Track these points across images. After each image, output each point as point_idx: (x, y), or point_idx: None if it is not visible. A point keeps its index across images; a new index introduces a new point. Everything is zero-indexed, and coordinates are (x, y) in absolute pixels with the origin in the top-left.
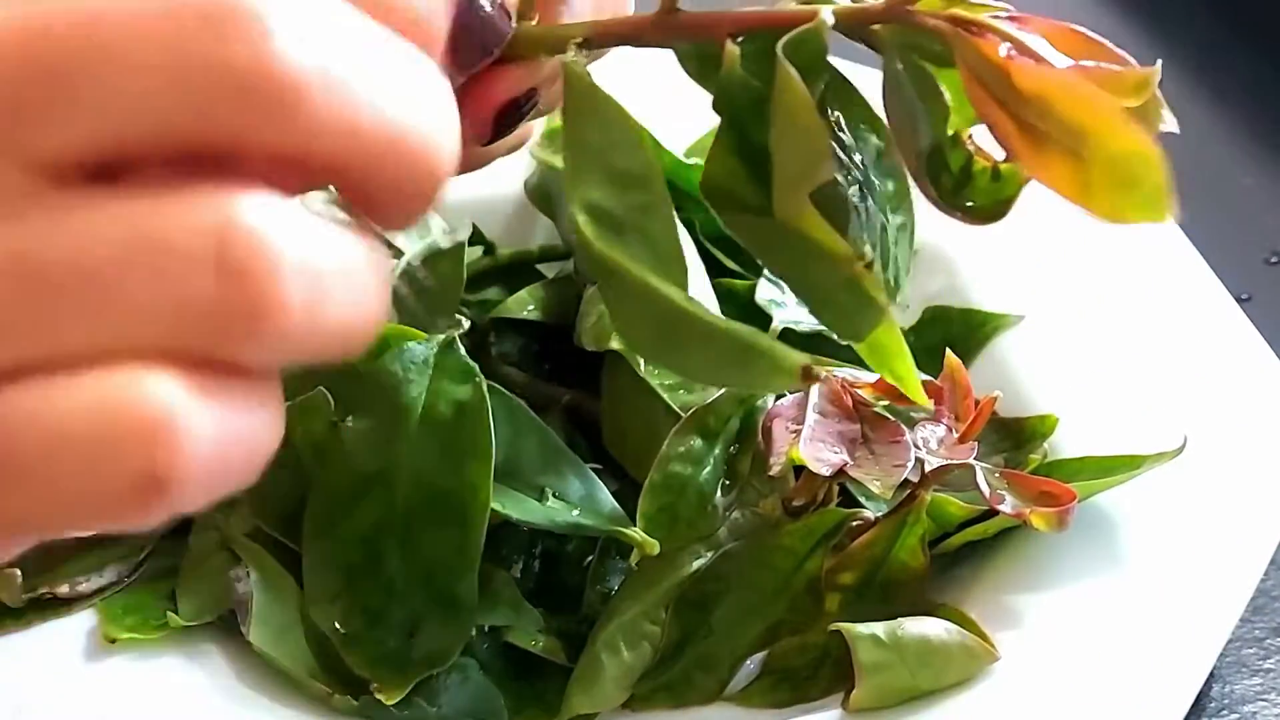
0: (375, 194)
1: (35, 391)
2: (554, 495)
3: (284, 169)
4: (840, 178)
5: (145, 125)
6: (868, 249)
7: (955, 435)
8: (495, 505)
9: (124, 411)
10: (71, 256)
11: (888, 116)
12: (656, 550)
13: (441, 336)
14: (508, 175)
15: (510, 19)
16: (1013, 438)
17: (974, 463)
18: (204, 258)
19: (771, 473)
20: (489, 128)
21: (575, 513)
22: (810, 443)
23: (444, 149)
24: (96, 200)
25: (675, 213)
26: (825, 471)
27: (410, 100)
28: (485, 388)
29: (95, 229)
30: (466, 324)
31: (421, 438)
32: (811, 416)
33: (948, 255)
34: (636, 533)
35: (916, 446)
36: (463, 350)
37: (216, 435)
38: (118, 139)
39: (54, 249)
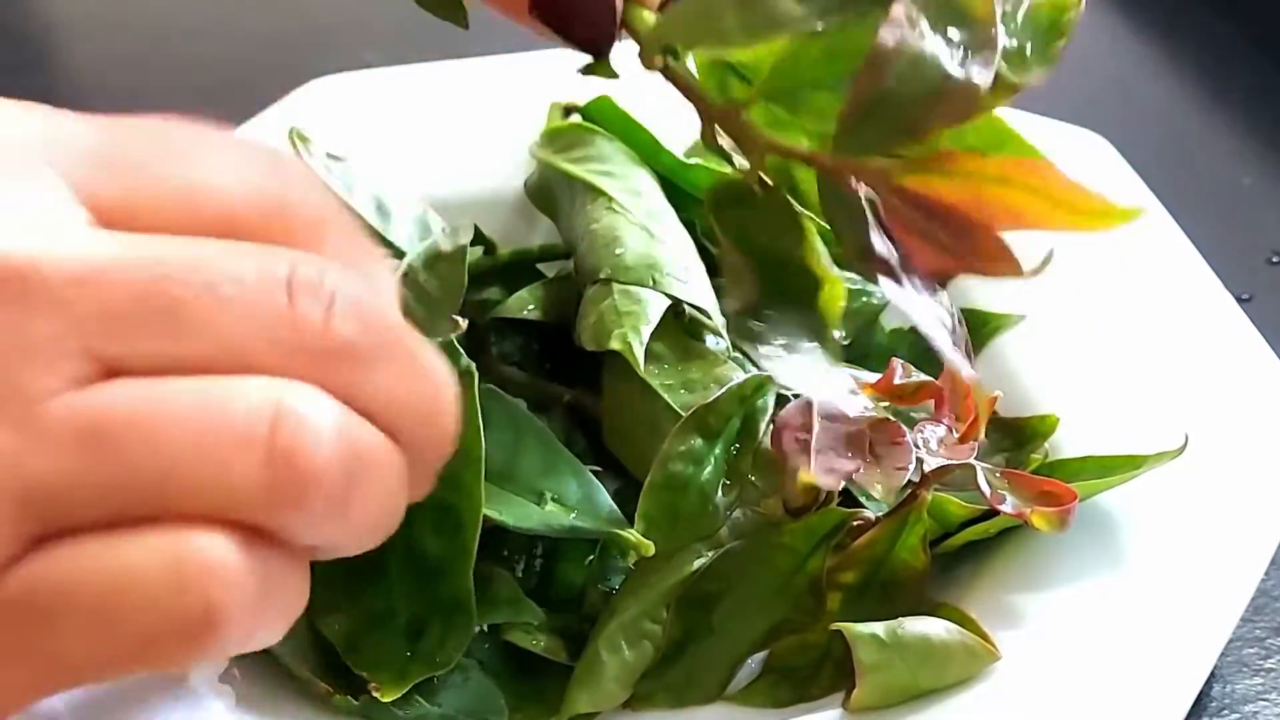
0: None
1: (102, 544)
2: (552, 498)
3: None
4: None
5: (225, 363)
6: None
7: (956, 435)
8: (493, 512)
9: (184, 559)
10: (139, 424)
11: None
12: (652, 551)
13: (438, 340)
14: (508, 175)
15: None
16: (1013, 438)
17: (974, 463)
18: (256, 437)
19: (786, 494)
20: None
21: (572, 515)
22: (821, 453)
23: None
24: (164, 381)
25: (676, 214)
26: (838, 485)
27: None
28: (476, 391)
29: (162, 403)
30: (465, 324)
31: None
32: (818, 423)
33: None
34: (632, 535)
35: (917, 446)
36: (462, 352)
37: (259, 589)
38: (192, 362)
39: (122, 416)
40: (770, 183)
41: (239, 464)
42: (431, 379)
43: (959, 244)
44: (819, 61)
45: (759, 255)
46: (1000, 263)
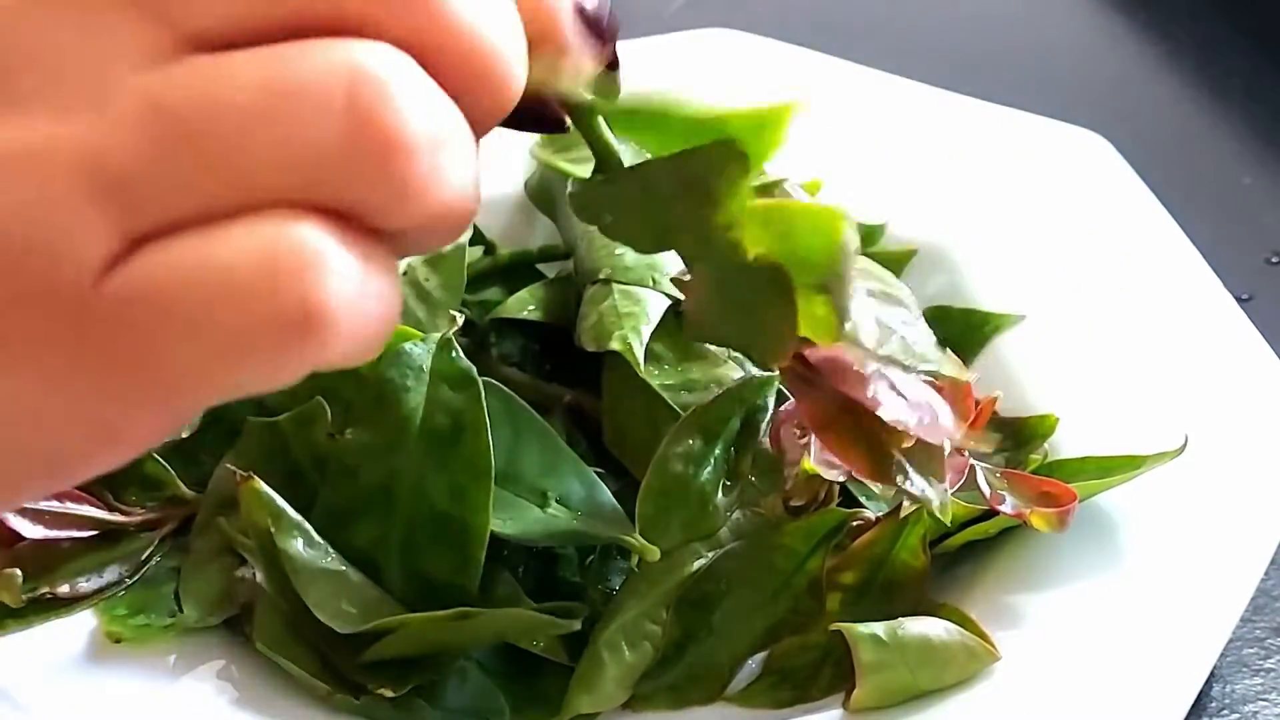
0: (466, 91)
1: (189, 244)
2: (555, 499)
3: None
4: None
5: (290, 10)
6: None
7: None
8: (496, 522)
9: (278, 253)
10: (209, 102)
11: None
12: (657, 556)
13: (438, 336)
14: (508, 175)
15: None
16: (1013, 437)
17: (975, 462)
18: (334, 101)
19: (786, 487)
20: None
21: (576, 517)
22: (820, 447)
23: (519, 71)
24: (231, 56)
25: None
26: (839, 478)
27: (511, 22)
28: (483, 397)
29: (231, 77)
30: (461, 319)
31: (420, 453)
32: None
33: (948, 255)
34: (637, 539)
35: None
36: (460, 352)
37: (358, 284)
38: (271, 20)
39: (193, 95)
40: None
41: (317, 129)
42: (507, 32)
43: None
44: None
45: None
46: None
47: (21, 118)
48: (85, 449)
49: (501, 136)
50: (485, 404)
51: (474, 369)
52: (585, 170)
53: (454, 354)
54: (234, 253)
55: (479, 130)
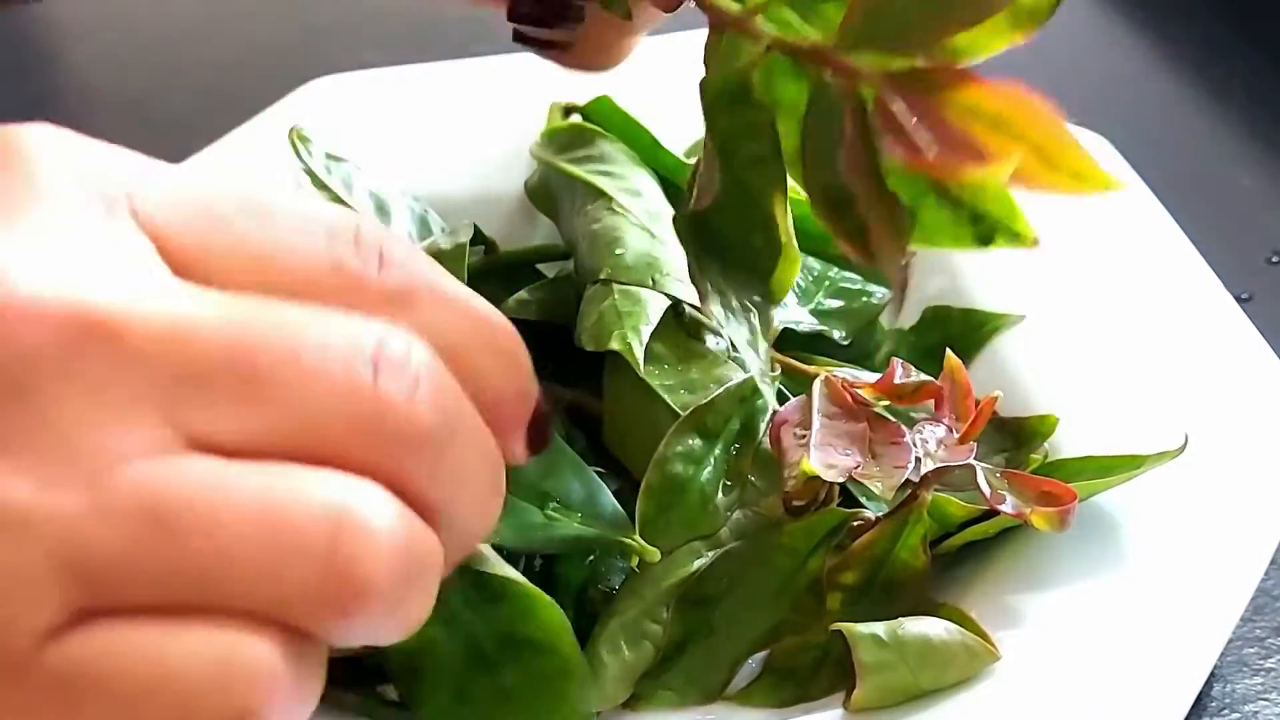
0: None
1: (147, 630)
2: (555, 500)
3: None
4: None
5: (307, 434)
6: None
7: (956, 435)
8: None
9: (230, 661)
10: (201, 515)
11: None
12: (658, 558)
13: None
14: (508, 175)
15: None
16: (1013, 438)
17: (974, 463)
18: (318, 544)
19: (787, 488)
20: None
21: (575, 519)
22: (820, 448)
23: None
24: (235, 469)
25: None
26: (838, 479)
27: (496, 473)
28: None
29: (226, 496)
30: None
31: None
32: (817, 420)
33: (948, 255)
34: (637, 541)
35: (915, 446)
36: None
37: (296, 694)
38: (275, 437)
39: (186, 502)
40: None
41: (297, 569)
42: (495, 470)
43: (944, 154)
44: None
45: (733, 170)
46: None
47: (10, 474)
48: None
49: (502, 137)
50: None
51: None
52: (585, 170)
53: None
54: (187, 654)
55: (467, 540)
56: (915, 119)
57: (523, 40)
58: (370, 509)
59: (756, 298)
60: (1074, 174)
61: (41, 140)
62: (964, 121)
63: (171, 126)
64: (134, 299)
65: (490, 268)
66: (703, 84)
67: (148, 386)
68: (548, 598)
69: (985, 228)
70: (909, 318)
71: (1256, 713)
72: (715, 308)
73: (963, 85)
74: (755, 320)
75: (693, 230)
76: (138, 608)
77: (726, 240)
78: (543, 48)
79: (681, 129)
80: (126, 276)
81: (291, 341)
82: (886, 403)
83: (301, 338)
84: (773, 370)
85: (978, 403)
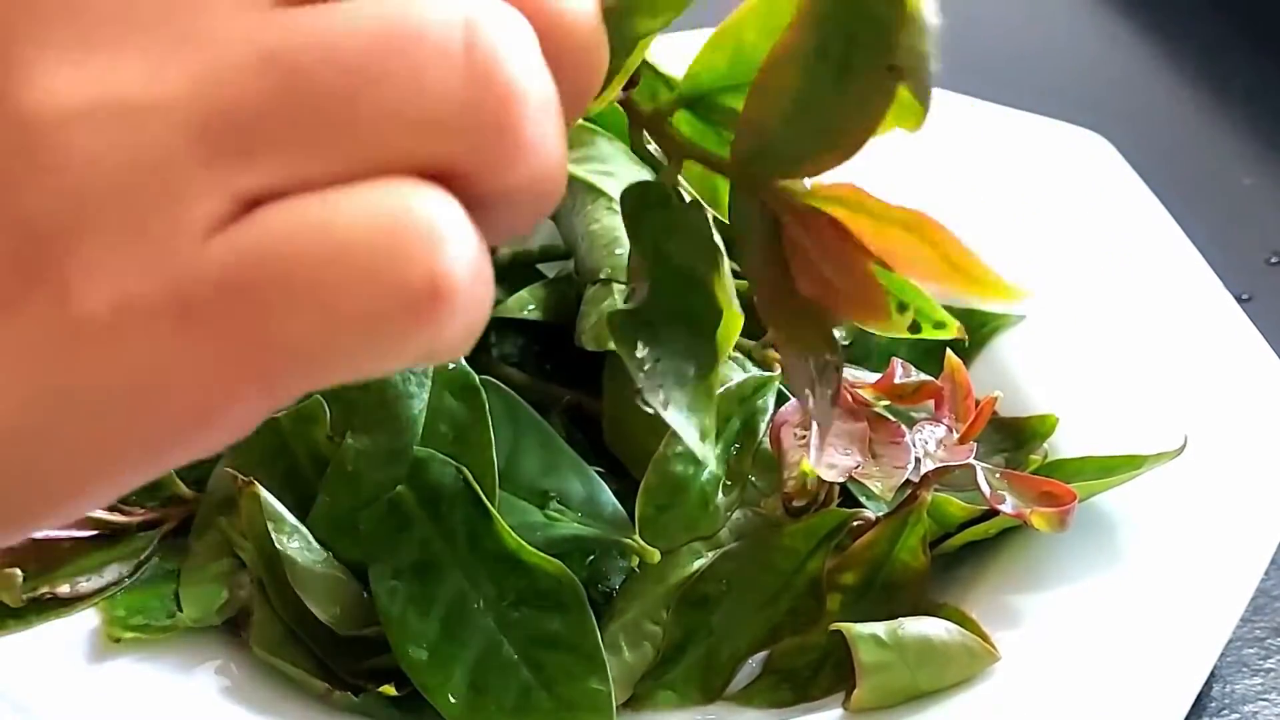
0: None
1: (307, 207)
2: (555, 500)
3: None
4: None
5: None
6: None
7: (955, 435)
8: None
9: (404, 222)
10: (327, 51)
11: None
12: (658, 559)
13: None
14: None
15: None
16: (1013, 438)
17: (974, 463)
18: (453, 50)
19: (787, 488)
20: None
21: (576, 519)
22: (820, 448)
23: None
24: (341, 3)
25: None
26: (838, 479)
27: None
28: (486, 407)
29: (346, 25)
30: None
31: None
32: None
33: None
34: (637, 541)
35: (915, 446)
36: (462, 359)
37: (477, 262)
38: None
39: (309, 43)
40: (689, 196)
41: (437, 79)
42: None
43: (841, 282)
44: (727, 64)
45: (666, 265)
46: (871, 313)
47: (109, 61)
48: (179, 430)
49: None
50: (488, 409)
51: (476, 376)
52: (585, 170)
53: (458, 361)
54: (357, 219)
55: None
56: (820, 251)
57: None
58: (495, 12)
59: (701, 361)
60: (976, 281)
61: None
62: (871, 236)
63: None
64: None
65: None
66: (623, 195)
67: None
68: (573, 580)
69: (909, 315)
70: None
71: (1256, 713)
72: (657, 398)
73: (861, 201)
74: (699, 379)
75: (629, 327)
76: (294, 183)
77: (664, 320)
78: None
79: None
80: None
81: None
82: (886, 402)
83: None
84: (773, 370)
85: (978, 403)
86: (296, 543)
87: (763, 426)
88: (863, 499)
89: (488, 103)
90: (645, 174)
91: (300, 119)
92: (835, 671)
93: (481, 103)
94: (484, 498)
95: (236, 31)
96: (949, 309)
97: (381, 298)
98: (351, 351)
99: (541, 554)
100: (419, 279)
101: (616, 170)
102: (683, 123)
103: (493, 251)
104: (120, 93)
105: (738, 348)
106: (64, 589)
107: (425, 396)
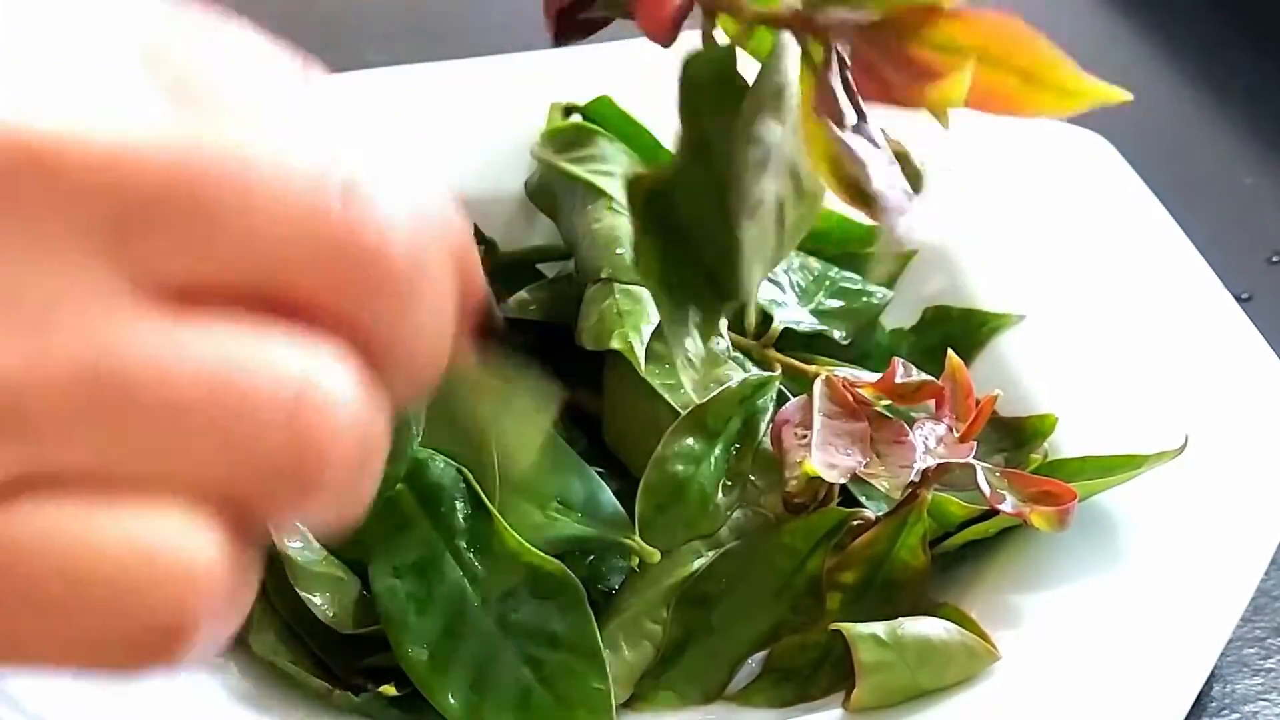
0: (405, 374)
1: (76, 510)
2: (555, 500)
3: (357, 338)
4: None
5: (261, 274)
6: None
7: (956, 435)
8: None
9: (164, 557)
10: (153, 373)
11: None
12: (658, 559)
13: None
14: (508, 175)
15: None
16: (1013, 437)
17: (974, 462)
18: (280, 412)
19: (788, 488)
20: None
21: (576, 519)
22: (821, 448)
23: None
24: (185, 322)
25: None
26: (840, 479)
27: (449, 315)
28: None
29: (185, 355)
30: None
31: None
32: (819, 420)
33: (948, 255)
34: (637, 541)
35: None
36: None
37: (229, 592)
38: (228, 278)
39: (140, 363)
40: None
41: (253, 441)
42: (445, 326)
43: (909, 86)
44: None
45: (704, 141)
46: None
47: None
48: None
49: (502, 137)
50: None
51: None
52: (585, 170)
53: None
54: (118, 539)
55: (404, 394)
56: (883, 60)
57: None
58: (333, 381)
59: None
60: (1062, 91)
61: None
62: (939, 57)
63: None
64: (84, 121)
65: (490, 268)
66: (684, 64)
67: (89, 222)
68: (573, 580)
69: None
70: (909, 317)
71: (1256, 713)
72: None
73: (933, 22)
74: (698, 331)
75: (647, 203)
76: (76, 478)
77: (682, 210)
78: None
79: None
80: (93, 92)
81: (245, 162)
82: (887, 402)
83: (258, 157)
84: (773, 370)
85: (978, 402)
86: (297, 542)
87: (763, 426)
88: (862, 498)
89: (302, 470)
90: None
91: (103, 429)
92: (835, 671)
93: (297, 470)
94: (484, 498)
95: (76, 327)
96: (949, 309)
97: (116, 625)
98: (71, 658)
99: (542, 554)
100: (159, 620)
101: (616, 170)
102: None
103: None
104: None
105: (738, 347)
106: None
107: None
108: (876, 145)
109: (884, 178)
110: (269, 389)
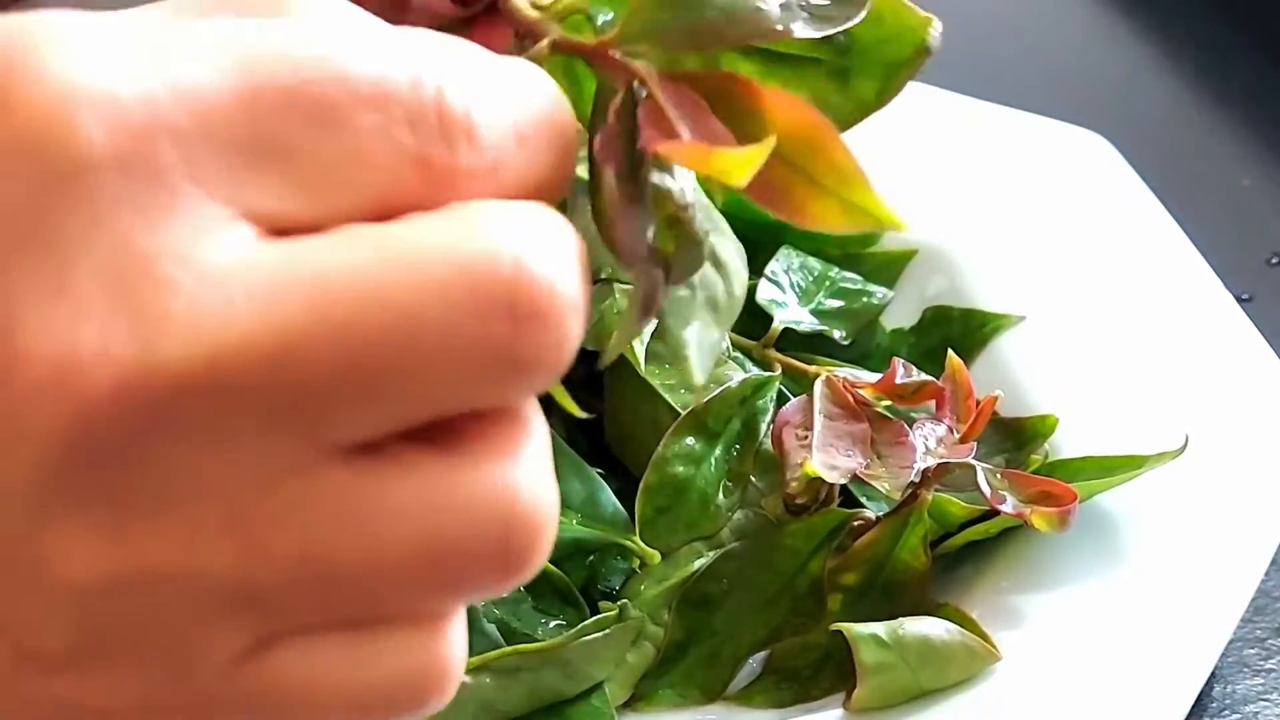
0: None
1: (329, 650)
2: None
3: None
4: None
5: (437, 407)
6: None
7: (956, 435)
8: None
9: (418, 669)
10: (364, 548)
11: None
12: (657, 560)
13: None
14: None
15: None
16: (1013, 438)
17: (975, 463)
18: (490, 549)
19: (789, 489)
20: None
21: (576, 520)
22: (822, 449)
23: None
24: (379, 481)
25: None
26: (841, 480)
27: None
28: None
29: (385, 517)
30: None
31: None
32: (819, 420)
33: (948, 255)
34: (637, 542)
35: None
36: None
37: (464, 654)
38: (408, 420)
39: (345, 540)
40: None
41: (475, 571)
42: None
43: (696, 140)
44: None
45: None
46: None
47: (152, 529)
48: None
49: None
50: None
51: None
52: (585, 170)
53: None
54: (379, 666)
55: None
56: (678, 110)
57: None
58: (536, 492)
59: None
60: (849, 206)
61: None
62: (738, 126)
63: None
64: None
65: None
66: None
67: (270, 418)
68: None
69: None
70: (909, 317)
71: (1257, 713)
72: None
73: (735, 91)
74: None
75: None
76: (318, 625)
77: None
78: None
79: None
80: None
81: (407, 317)
82: (888, 403)
83: (416, 303)
84: (773, 370)
85: (978, 403)
86: None
87: (763, 426)
88: (863, 499)
89: (512, 582)
90: None
91: (329, 599)
92: (836, 671)
93: (507, 583)
94: None
95: (276, 510)
96: (949, 309)
97: None
98: None
99: (547, 563)
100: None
101: None
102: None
103: None
104: (163, 561)
105: (738, 347)
106: None
107: None
108: (643, 201)
109: (635, 238)
110: (477, 525)
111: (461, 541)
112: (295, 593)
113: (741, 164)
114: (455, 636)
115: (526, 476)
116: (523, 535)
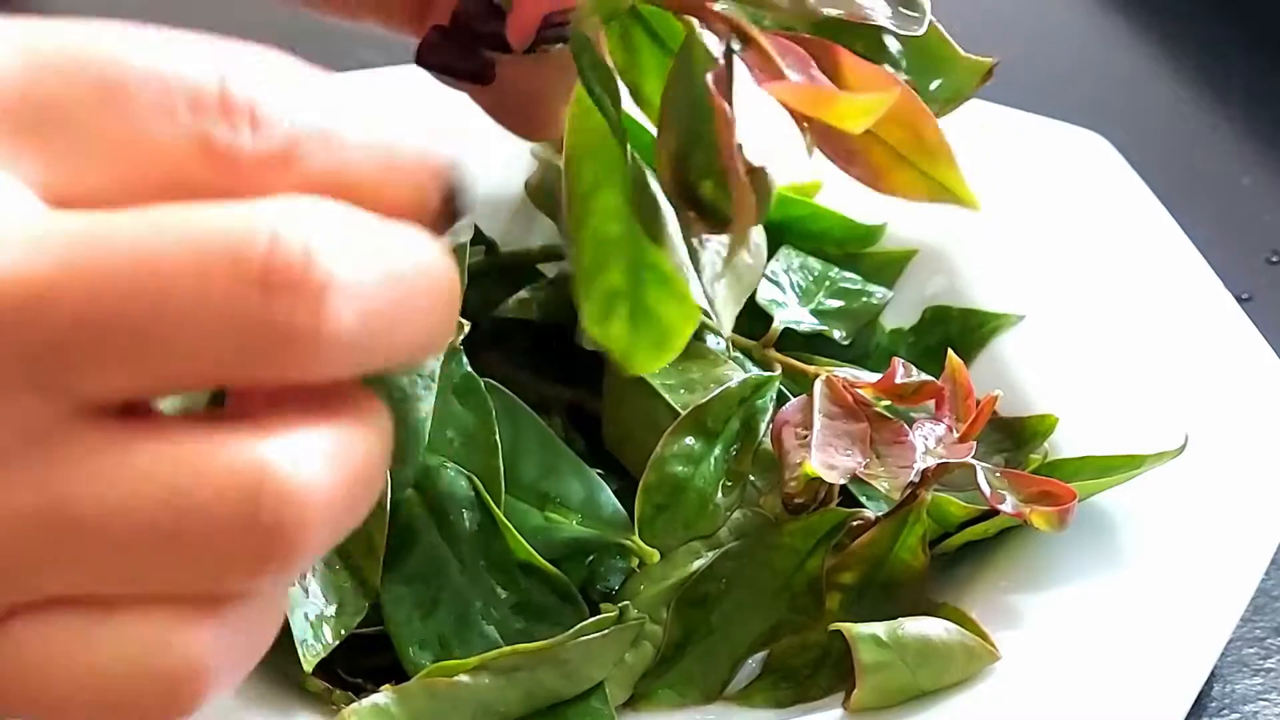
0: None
1: (66, 629)
2: (555, 501)
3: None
4: None
5: (190, 374)
6: None
7: (955, 435)
8: None
9: (156, 662)
10: (108, 508)
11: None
12: (657, 559)
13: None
14: (508, 175)
15: None
16: (1013, 437)
17: (974, 462)
18: (239, 516)
19: (788, 489)
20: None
21: (576, 520)
22: (821, 448)
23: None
24: (129, 443)
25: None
26: (840, 479)
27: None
28: (493, 413)
29: (132, 479)
30: (468, 327)
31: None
32: (819, 420)
33: (948, 255)
34: (636, 542)
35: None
36: (468, 362)
37: (231, 664)
38: (160, 383)
39: (90, 499)
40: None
41: (225, 540)
42: (446, 305)
43: (805, 84)
44: None
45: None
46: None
47: None
48: None
49: (502, 137)
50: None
51: (481, 381)
52: None
53: (462, 363)
54: (111, 651)
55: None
56: (783, 55)
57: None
58: (295, 463)
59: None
60: (933, 183)
61: None
62: (862, 79)
63: None
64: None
65: (490, 268)
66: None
67: (4, 365)
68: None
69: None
70: (909, 317)
71: (1256, 713)
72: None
73: (833, 57)
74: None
75: None
76: (60, 599)
77: None
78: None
79: None
80: None
81: (160, 278)
82: (887, 403)
83: (162, 250)
84: (773, 370)
85: (978, 402)
86: None
87: (763, 426)
88: (862, 498)
89: (270, 562)
90: (647, 174)
91: (72, 566)
92: (835, 671)
93: (263, 562)
94: (493, 507)
95: (25, 478)
96: (949, 309)
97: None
98: None
99: (549, 565)
100: (170, 707)
101: None
102: None
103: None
104: None
105: (738, 347)
106: None
107: (432, 399)
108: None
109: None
110: (224, 493)
111: (204, 509)
112: (35, 557)
113: (863, 110)
114: (219, 635)
115: (289, 452)
116: (275, 511)
